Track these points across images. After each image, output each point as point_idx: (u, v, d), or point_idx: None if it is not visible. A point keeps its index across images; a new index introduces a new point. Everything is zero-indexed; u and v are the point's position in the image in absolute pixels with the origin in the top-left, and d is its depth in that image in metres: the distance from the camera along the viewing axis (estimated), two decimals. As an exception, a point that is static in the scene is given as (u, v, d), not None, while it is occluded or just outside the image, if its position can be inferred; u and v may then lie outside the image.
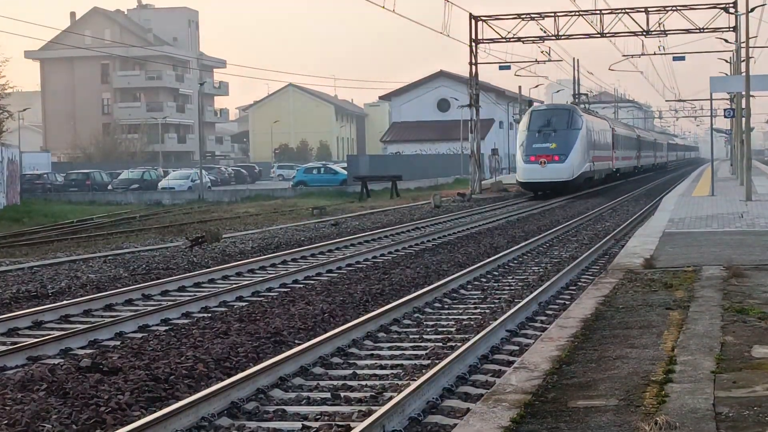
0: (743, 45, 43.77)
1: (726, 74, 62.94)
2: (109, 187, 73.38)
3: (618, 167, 68.03)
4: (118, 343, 13.21)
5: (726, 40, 59.15)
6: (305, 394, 10.33)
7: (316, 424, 9.13)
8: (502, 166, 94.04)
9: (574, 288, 17.56)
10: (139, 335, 13.75)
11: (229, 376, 10.83)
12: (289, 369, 10.95)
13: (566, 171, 50.44)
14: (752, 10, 44.69)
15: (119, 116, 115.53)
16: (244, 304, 16.40)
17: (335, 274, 20.19)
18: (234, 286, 18.06)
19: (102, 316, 15.54)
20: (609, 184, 63.68)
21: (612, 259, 20.08)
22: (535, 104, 70.95)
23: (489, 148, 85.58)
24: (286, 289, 18.04)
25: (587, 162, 53.68)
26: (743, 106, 42.98)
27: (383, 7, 38.35)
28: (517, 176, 53.60)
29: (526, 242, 25.18)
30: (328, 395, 10.20)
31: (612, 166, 65.13)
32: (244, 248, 26.05)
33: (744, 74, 40.12)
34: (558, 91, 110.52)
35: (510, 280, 19.03)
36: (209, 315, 15.27)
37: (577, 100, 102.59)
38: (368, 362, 11.84)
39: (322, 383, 10.78)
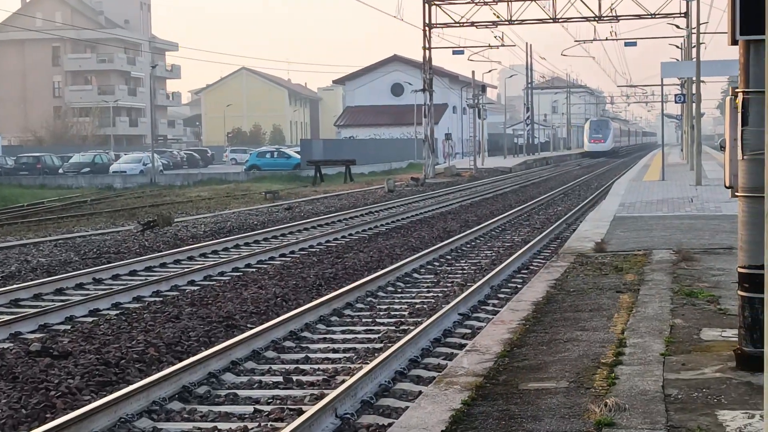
0: (694, 31, 44.13)
1: (677, 60, 63.44)
2: (60, 170, 72.53)
3: (621, 146, 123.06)
4: (69, 327, 13.12)
5: (677, 26, 59.56)
6: (257, 377, 10.31)
7: (268, 408, 9.12)
8: (456, 150, 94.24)
9: (526, 272, 17.65)
10: (90, 319, 13.66)
11: (181, 360, 10.79)
12: (240, 353, 10.93)
13: (606, 146, 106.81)
14: (703, -4, 45.01)
15: (70, 99, 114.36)
16: (195, 288, 16.34)
17: (288, 259, 20.16)
18: (186, 270, 17.97)
19: (52, 300, 15.41)
20: (617, 155, 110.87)
21: (563, 243, 20.20)
22: (591, 117, 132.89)
23: (442, 133, 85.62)
24: (238, 274, 17.99)
25: (613, 143, 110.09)
26: (694, 91, 43.32)
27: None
28: (584, 148, 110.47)
29: (479, 226, 25.27)
30: (280, 379, 10.19)
31: (619, 145, 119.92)
32: (196, 232, 25.92)
33: (695, 60, 40.47)
34: (511, 77, 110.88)
35: (463, 264, 19.09)
36: (160, 299, 15.20)
37: (530, 85, 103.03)
38: (321, 346, 11.84)
39: (274, 367, 10.76)
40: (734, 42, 7.83)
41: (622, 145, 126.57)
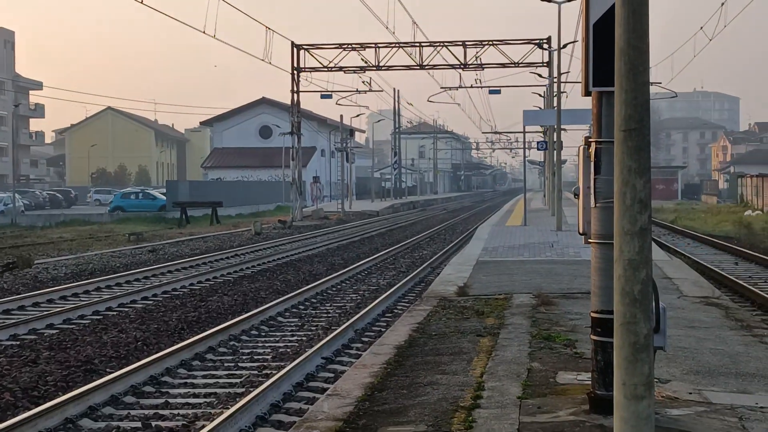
0: (556, 80, 45.27)
1: (540, 108, 64.91)
2: None
3: (510, 188, 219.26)
4: None
5: (540, 75, 60.99)
6: (115, 423, 10.14)
7: (125, 454, 8.97)
8: (324, 193, 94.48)
9: (390, 315, 17.79)
10: (-58, 364, 13.25)
11: (37, 405, 10.55)
12: (99, 398, 10.75)
13: (505, 188, 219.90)
14: (564, 46, 46.26)
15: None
16: (54, 331, 16.02)
17: (150, 302, 19.90)
18: (45, 313, 17.60)
19: None
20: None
21: (427, 286, 20.40)
22: (496, 171, 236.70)
23: (311, 176, 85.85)
24: (98, 317, 17.69)
25: (507, 186, 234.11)
26: (555, 139, 44.36)
27: (204, 32, 38.01)
28: (495, 188, 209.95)
29: (345, 269, 25.36)
30: (138, 424, 10.04)
31: (509, 188, 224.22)
32: (57, 274, 25.42)
33: (556, 108, 41.50)
34: (379, 121, 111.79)
35: (328, 308, 19.13)
36: (17, 343, 14.85)
37: (397, 130, 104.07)
38: (182, 391, 11.72)
39: (133, 412, 10.61)
40: (587, 93, 8.08)
41: (511, 187, 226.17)
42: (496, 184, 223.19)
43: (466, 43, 54.73)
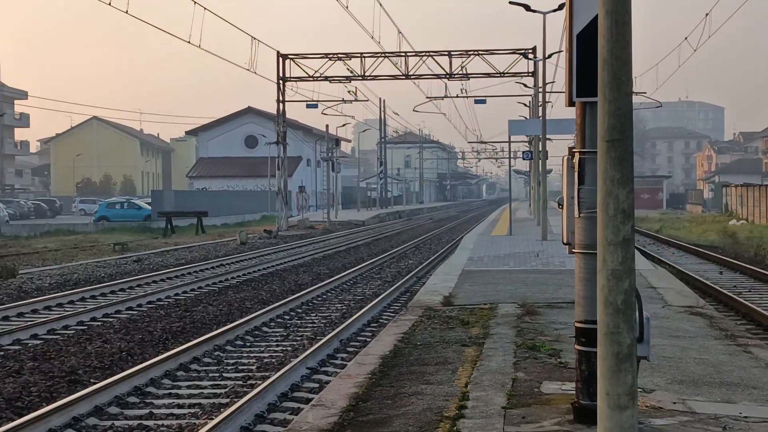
0: (541, 90, 45.37)
1: (525, 117, 65.03)
2: None
3: (499, 197, 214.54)
4: None
5: (525, 85, 61.16)
6: (99, 434, 10.11)
7: (109, 465, 8.95)
8: (310, 203, 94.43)
9: (375, 325, 17.77)
10: (-75, 375, 13.19)
11: (21, 416, 10.51)
12: (83, 409, 10.71)
13: (494, 197, 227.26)
14: (549, 56, 46.37)
15: None
16: (38, 342, 15.97)
17: (135, 312, 19.86)
18: (29, 323, 17.55)
19: None
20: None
21: (413, 296, 20.40)
22: (487, 181, 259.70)
23: (296, 186, 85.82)
24: (83, 327, 17.65)
25: (497, 195, 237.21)
26: (540, 148, 44.43)
27: (189, 41, 37.95)
28: (483, 197, 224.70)
29: (331, 279, 25.34)
30: (123, 435, 10.01)
31: (498, 197, 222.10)
32: (42, 284, 25.33)
33: (541, 118, 41.57)
34: (365, 131, 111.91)
35: (313, 318, 19.11)
36: (2, 353, 14.79)
37: (383, 139, 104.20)
38: (166, 401, 11.69)
39: (117, 423, 10.58)
40: (571, 103, 8.09)
41: (499, 196, 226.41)
42: (487, 193, 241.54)
43: (452, 52, 54.83)
